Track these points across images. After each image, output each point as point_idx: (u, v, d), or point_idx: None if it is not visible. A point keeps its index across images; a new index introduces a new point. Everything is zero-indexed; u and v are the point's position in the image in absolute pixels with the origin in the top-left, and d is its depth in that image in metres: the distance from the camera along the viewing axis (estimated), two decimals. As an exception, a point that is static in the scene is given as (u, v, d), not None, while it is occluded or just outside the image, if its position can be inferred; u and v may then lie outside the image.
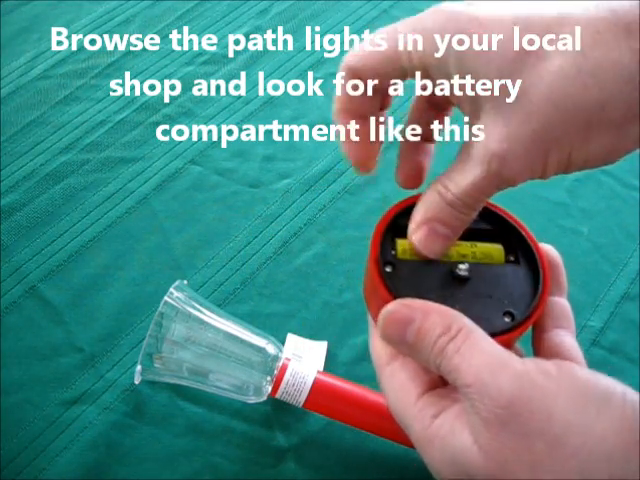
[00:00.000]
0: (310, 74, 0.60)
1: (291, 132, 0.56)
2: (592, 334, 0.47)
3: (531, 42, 0.22)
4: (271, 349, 0.40)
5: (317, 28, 0.64)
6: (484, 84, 0.23)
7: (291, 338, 0.44)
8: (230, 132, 0.56)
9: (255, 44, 0.62)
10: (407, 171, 0.31)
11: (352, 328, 0.46)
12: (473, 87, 0.24)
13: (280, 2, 0.65)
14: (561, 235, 0.51)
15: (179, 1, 0.65)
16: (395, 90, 0.30)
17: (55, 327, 0.45)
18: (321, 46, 0.62)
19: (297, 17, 0.64)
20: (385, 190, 0.53)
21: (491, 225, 0.29)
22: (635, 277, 0.50)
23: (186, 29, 0.63)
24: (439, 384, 0.26)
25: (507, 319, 0.26)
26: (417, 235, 0.26)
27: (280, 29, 0.63)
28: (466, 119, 0.25)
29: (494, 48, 0.23)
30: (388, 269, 0.27)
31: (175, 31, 0.62)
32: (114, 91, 0.58)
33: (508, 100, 0.23)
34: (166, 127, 0.56)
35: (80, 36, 0.61)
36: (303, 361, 0.41)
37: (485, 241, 0.29)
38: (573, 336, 0.28)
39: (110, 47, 0.61)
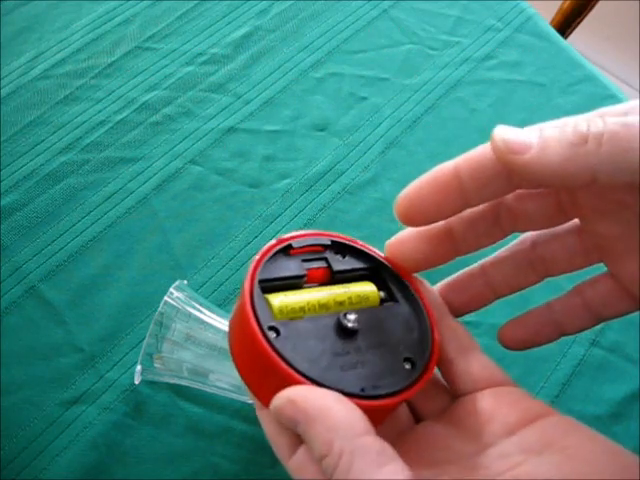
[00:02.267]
0: (310, 74, 0.60)
1: (291, 132, 0.56)
2: (592, 334, 0.47)
3: None
4: (271, 349, 0.40)
5: (317, 28, 0.64)
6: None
7: (291, 338, 0.44)
8: (230, 132, 0.56)
9: (255, 44, 0.62)
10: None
11: (352, 328, 0.46)
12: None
13: (280, 2, 0.65)
14: (561, 235, 0.51)
15: (179, 1, 0.65)
16: None
17: (55, 327, 0.45)
18: (321, 46, 0.62)
19: (297, 17, 0.64)
20: (385, 190, 0.53)
21: (357, 264, 0.28)
22: (635, 277, 0.50)
23: (186, 30, 0.63)
24: None
25: (407, 366, 0.25)
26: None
27: (280, 29, 0.63)
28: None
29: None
30: (272, 335, 0.24)
31: (175, 31, 0.62)
32: (114, 91, 0.58)
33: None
34: (166, 127, 0.56)
35: (80, 36, 0.61)
36: (303, 361, 0.41)
37: (354, 282, 0.27)
38: (479, 351, 0.27)
39: (110, 47, 0.61)
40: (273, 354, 0.23)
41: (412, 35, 0.64)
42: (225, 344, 0.40)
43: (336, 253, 0.28)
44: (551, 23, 0.87)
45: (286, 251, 0.27)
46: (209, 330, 0.40)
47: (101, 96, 0.57)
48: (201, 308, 0.41)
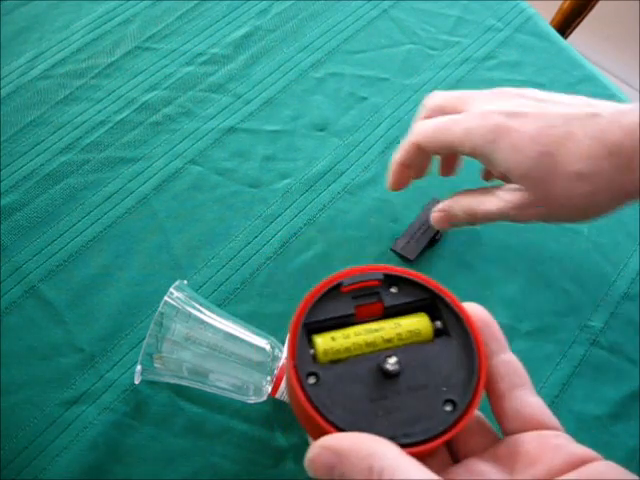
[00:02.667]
0: (310, 74, 0.60)
1: (291, 132, 0.56)
2: (592, 334, 0.47)
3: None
4: (271, 349, 0.40)
5: (317, 28, 0.64)
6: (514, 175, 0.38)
7: (291, 338, 0.44)
8: (230, 132, 0.56)
9: (255, 44, 0.62)
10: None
11: (352, 328, 0.46)
12: (506, 174, 0.39)
13: (280, 2, 0.65)
14: (561, 235, 0.51)
15: (179, 1, 0.65)
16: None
17: (55, 327, 0.45)
18: (321, 46, 0.62)
19: (297, 17, 0.64)
20: (385, 190, 0.53)
21: (411, 296, 0.27)
22: (635, 277, 0.50)
23: (186, 30, 0.63)
24: None
25: (448, 408, 0.24)
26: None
27: (280, 29, 0.63)
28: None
29: (520, 152, 0.37)
30: (312, 380, 0.24)
31: (175, 31, 0.62)
32: (114, 91, 0.58)
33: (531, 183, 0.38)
34: (166, 127, 0.56)
35: (80, 36, 0.61)
36: (303, 361, 0.41)
37: (408, 315, 0.27)
38: (531, 390, 0.27)
39: (110, 47, 0.61)
40: (307, 403, 0.24)
41: (412, 35, 0.64)
42: (225, 344, 0.40)
43: (389, 286, 0.27)
44: (551, 23, 0.87)
45: (337, 289, 0.27)
46: (209, 330, 0.40)
47: (101, 96, 0.57)
48: (201, 308, 0.41)
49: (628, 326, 0.47)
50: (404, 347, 0.25)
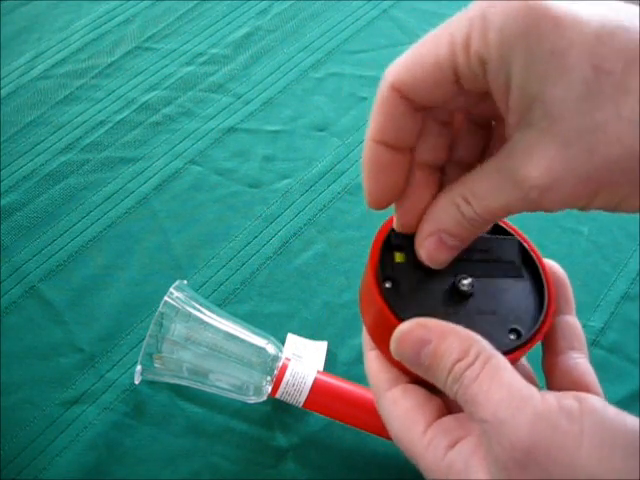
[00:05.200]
0: (310, 74, 0.60)
1: (291, 132, 0.56)
2: (592, 334, 0.47)
3: (610, 69, 0.19)
4: (271, 349, 0.40)
5: (317, 28, 0.64)
6: (550, 101, 0.19)
7: (291, 338, 0.44)
8: (230, 132, 0.56)
9: (255, 44, 0.62)
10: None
11: (352, 328, 0.46)
12: (535, 100, 0.20)
13: (280, 2, 0.65)
14: (561, 235, 0.51)
15: (179, 1, 0.65)
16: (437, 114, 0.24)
17: (55, 327, 0.45)
18: (321, 46, 0.62)
19: (297, 17, 0.64)
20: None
21: (493, 233, 0.28)
22: (635, 277, 0.50)
23: (186, 30, 0.63)
24: (446, 411, 0.24)
25: (512, 336, 0.25)
26: (424, 247, 0.25)
27: (280, 29, 0.63)
28: (508, 130, 0.22)
29: (572, 63, 0.19)
30: (388, 285, 0.26)
31: (175, 31, 0.63)
32: (114, 91, 0.58)
33: (567, 125, 0.19)
34: (166, 127, 0.56)
35: (80, 36, 0.61)
36: (303, 361, 0.41)
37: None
38: (586, 357, 0.27)
39: (110, 47, 0.61)
40: (382, 302, 0.25)
41: (412, 35, 0.64)
42: (225, 344, 0.40)
43: None
44: (551, 23, 0.87)
45: None
46: (209, 330, 0.40)
47: (101, 96, 0.57)
48: (201, 308, 0.41)
49: (628, 326, 0.47)
50: (479, 274, 0.26)
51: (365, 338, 0.27)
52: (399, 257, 0.26)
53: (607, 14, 0.19)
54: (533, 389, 0.22)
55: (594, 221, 0.53)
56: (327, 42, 0.63)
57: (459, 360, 0.22)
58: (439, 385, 0.23)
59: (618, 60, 0.19)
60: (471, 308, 0.26)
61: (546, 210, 0.21)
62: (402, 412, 0.24)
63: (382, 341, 0.26)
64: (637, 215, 0.56)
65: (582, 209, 0.22)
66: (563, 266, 0.28)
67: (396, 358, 0.24)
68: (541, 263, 0.27)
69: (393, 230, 0.27)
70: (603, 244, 0.51)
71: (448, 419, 0.24)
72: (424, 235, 0.25)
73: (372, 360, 0.27)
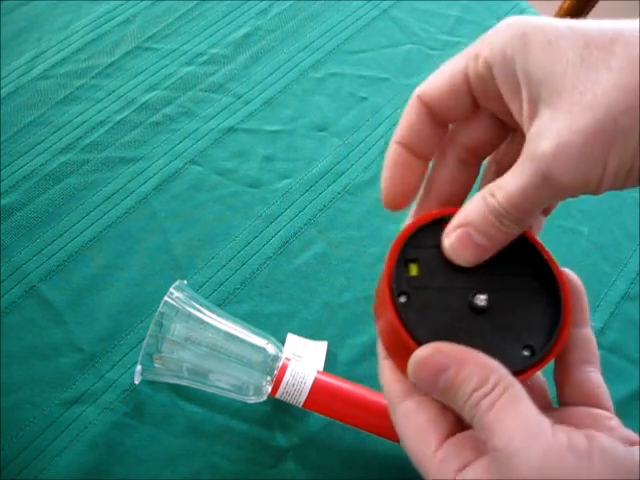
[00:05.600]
0: (310, 74, 0.60)
1: (291, 132, 0.56)
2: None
3: (599, 42, 0.22)
4: (271, 349, 0.40)
5: (317, 28, 0.64)
6: (553, 79, 0.21)
7: (291, 338, 0.44)
8: (230, 132, 0.56)
9: (255, 44, 0.62)
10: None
11: (352, 328, 0.46)
12: (540, 84, 0.22)
13: (280, 2, 0.65)
14: (561, 235, 0.51)
15: (179, 1, 0.65)
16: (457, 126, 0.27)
17: (55, 327, 0.45)
18: (321, 46, 0.62)
19: (297, 17, 0.64)
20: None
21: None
22: (635, 277, 0.50)
23: (186, 30, 0.63)
24: (459, 427, 0.24)
25: (526, 353, 0.25)
26: (450, 238, 0.25)
27: (280, 29, 0.63)
28: (525, 125, 0.23)
29: (566, 45, 0.22)
30: (402, 299, 0.25)
31: (175, 31, 0.63)
32: (114, 91, 0.58)
33: (570, 93, 0.21)
34: (166, 127, 0.56)
35: (80, 36, 0.61)
36: (303, 361, 0.41)
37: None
38: (598, 370, 0.27)
39: (110, 47, 0.61)
40: (397, 319, 0.25)
41: (412, 35, 0.64)
42: (225, 344, 0.40)
43: None
44: (551, 23, 0.87)
45: (441, 224, 0.27)
46: (209, 330, 0.40)
47: (101, 96, 0.57)
48: (201, 308, 0.41)
49: (628, 326, 0.47)
50: (495, 288, 0.26)
51: (380, 346, 0.27)
52: (414, 270, 0.26)
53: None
54: (545, 422, 0.22)
55: (594, 221, 0.53)
56: (327, 42, 0.63)
57: (477, 389, 0.22)
58: (456, 409, 0.23)
59: (605, 36, 0.22)
60: (486, 324, 0.25)
61: (562, 191, 0.22)
62: (414, 427, 0.24)
63: (396, 355, 0.26)
64: (637, 215, 0.56)
65: (596, 189, 0.22)
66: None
67: (412, 381, 0.24)
68: (559, 276, 0.27)
69: (407, 243, 0.27)
70: (603, 244, 0.51)
71: (461, 438, 0.24)
72: (452, 226, 0.25)
73: (386, 369, 0.26)
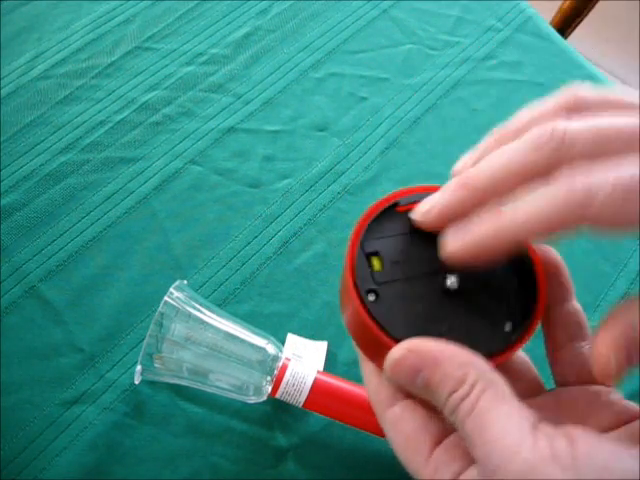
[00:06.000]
0: (310, 74, 0.60)
1: (291, 132, 0.56)
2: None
3: None
4: (271, 349, 0.40)
5: (317, 28, 0.64)
6: None
7: (291, 338, 0.44)
8: (230, 132, 0.56)
9: (255, 44, 0.62)
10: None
11: (352, 328, 0.46)
12: None
13: (280, 2, 0.65)
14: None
15: (179, 1, 0.65)
16: None
17: (55, 327, 0.45)
18: (321, 46, 0.62)
19: (297, 17, 0.64)
20: (385, 190, 0.53)
21: None
22: (635, 277, 0.50)
23: (186, 30, 0.63)
24: (449, 430, 0.23)
25: (507, 329, 0.24)
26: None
27: (280, 29, 0.63)
28: None
29: None
30: (371, 297, 0.24)
31: (175, 31, 0.62)
32: (114, 91, 0.58)
33: None
34: (166, 127, 0.56)
35: (80, 36, 0.61)
36: (303, 361, 0.41)
37: None
38: (589, 342, 0.26)
39: (110, 47, 0.61)
40: (369, 319, 0.24)
41: (412, 35, 0.64)
42: (225, 344, 0.40)
43: None
44: (551, 23, 0.87)
45: (393, 209, 0.26)
46: (209, 330, 0.40)
47: (101, 96, 0.57)
48: (201, 308, 0.41)
49: (628, 326, 0.47)
50: (465, 272, 0.25)
51: (358, 352, 0.26)
52: (377, 265, 0.25)
53: None
54: (526, 428, 0.20)
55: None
56: (327, 42, 0.63)
57: (454, 391, 0.21)
58: (438, 408, 0.22)
59: None
60: (460, 307, 0.24)
61: None
62: (403, 435, 0.23)
63: (374, 356, 0.25)
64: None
65: None
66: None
67: (391, 384, 0.24)
68: (531, 251, 0.26)
69: (364, 237, 0.26)
70: (603, 244, 0.51)
71: (452, 441, 0.23)
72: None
73: (369, 375, 0.25)
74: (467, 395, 0.21)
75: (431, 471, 0.22)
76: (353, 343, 0.26)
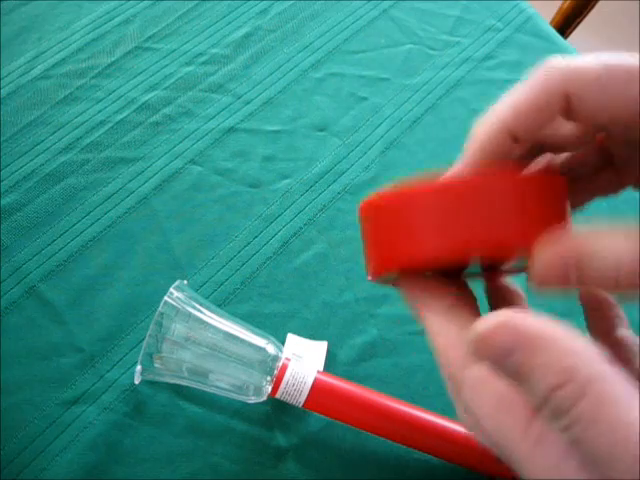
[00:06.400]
0: (310, 74, 0.60)
1: (291, 132, 0.56)
2: (592, 334, 0.47)
3: None
4: (271, 349, 0.40)
5: (317, 28, 0.64)
6: None
7: (291, 338, 0.45)
8: (230, 132, 0.56)
9: (255, 44, 0.62)
10: None
11: (352, 328, 0.46)
12: None
13: (280, 2, 0.65)
14: (561, 235, 0.51)
15: (179, 1, 0.65)
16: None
17: (55, 327, 0.45)
18: (321, 46, 0.62)
19: (297, 17, 0.64)
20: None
21: None
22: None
23: (186, 30, 0.63)
24: None
25: None
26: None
27: (280, 29, 0.63)
28: None
29: None
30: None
31: (175, 31, 0.62)
32: (114, 91, 0.58)
33: None
34: (166, 127, 0.56)
35: (80, 36, 0.61)
36: (303, 361, 0.41)
37: None
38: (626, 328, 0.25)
39: (110, 47, 0.61)
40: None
41: (412, 35, 0.64)
42: (225, 344, 0.40)
43: None
44: (551, 23, 0.87)
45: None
46: (209, 330, 0.40)
47: (101, 96, 0.57)
48: (201, 308, 0.41)
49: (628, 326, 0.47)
50: None
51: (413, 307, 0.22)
52: None
53: None
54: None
55: (594, 221, 0.53)
56: (327, 42, 0.63)
57: (559, 387, 0.17)
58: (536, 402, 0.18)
59: None
60: None
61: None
62: (494, 399, 0.19)
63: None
64: (637, 215, 0.57)
65: None
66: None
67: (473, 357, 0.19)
68: None
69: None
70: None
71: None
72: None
73: (440, 326, 0.21)
74: (583, 395, 0.17)
75: (530, 445, 0.18)
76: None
